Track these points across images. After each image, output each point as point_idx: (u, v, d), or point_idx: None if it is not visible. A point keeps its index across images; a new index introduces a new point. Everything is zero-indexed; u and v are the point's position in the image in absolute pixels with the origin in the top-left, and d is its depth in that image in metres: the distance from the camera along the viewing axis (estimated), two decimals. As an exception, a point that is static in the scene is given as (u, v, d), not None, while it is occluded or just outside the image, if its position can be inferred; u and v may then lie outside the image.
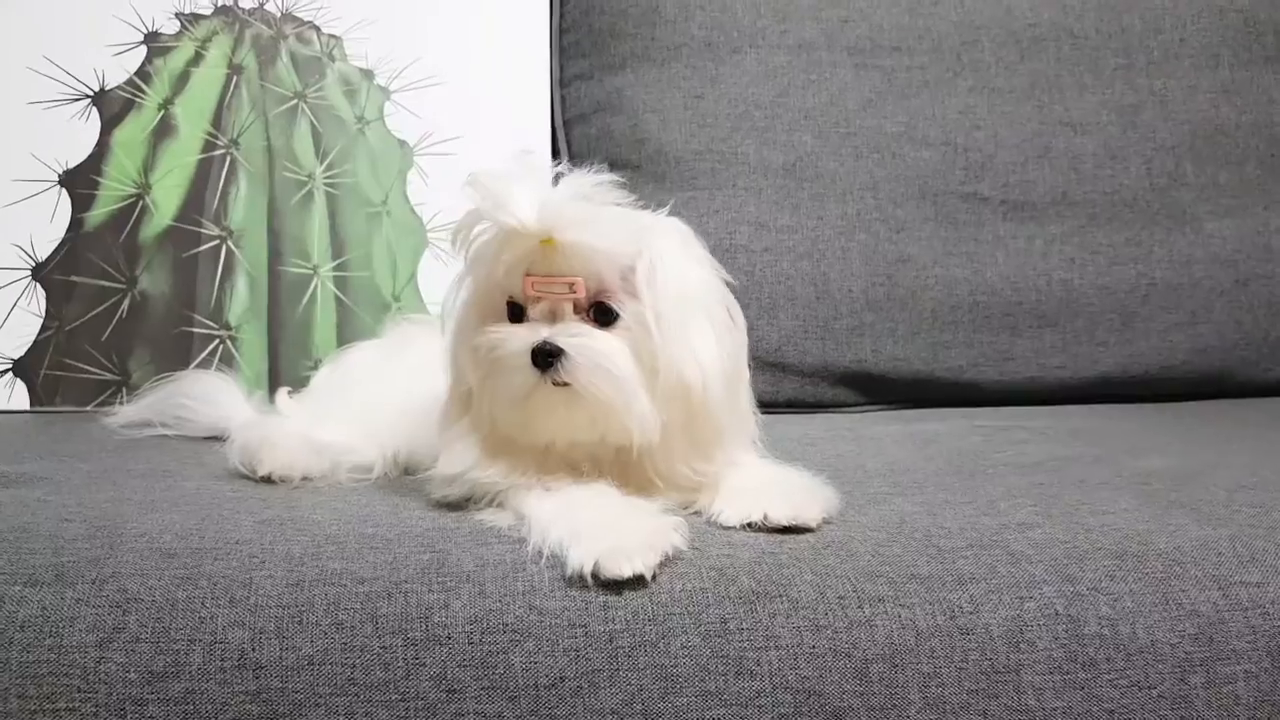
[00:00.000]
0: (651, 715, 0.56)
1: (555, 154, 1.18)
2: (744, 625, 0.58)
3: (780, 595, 0.59)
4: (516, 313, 0.65)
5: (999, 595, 0.60)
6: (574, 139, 1.18)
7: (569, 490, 0.65)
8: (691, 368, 0.64)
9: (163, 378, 0.93)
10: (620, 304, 0.64)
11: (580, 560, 0.57)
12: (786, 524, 0.65)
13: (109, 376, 1.04)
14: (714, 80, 1.15)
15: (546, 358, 0.61)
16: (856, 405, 1.13)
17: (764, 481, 0.69)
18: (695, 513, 0.68)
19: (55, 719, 0.52)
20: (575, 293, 0.63)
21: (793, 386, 1.10)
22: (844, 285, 1.10)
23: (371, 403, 0.79)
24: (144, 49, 1.12)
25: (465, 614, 0.56)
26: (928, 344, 1.12)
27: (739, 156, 1.13)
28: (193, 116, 1.11)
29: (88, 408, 1.03)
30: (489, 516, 0.65)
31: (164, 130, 1.10)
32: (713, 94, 1.15)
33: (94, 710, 0.53)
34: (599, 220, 0.62)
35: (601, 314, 0.64)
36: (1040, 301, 1.14)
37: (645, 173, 1.13)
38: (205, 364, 1.06)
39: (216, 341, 1.07)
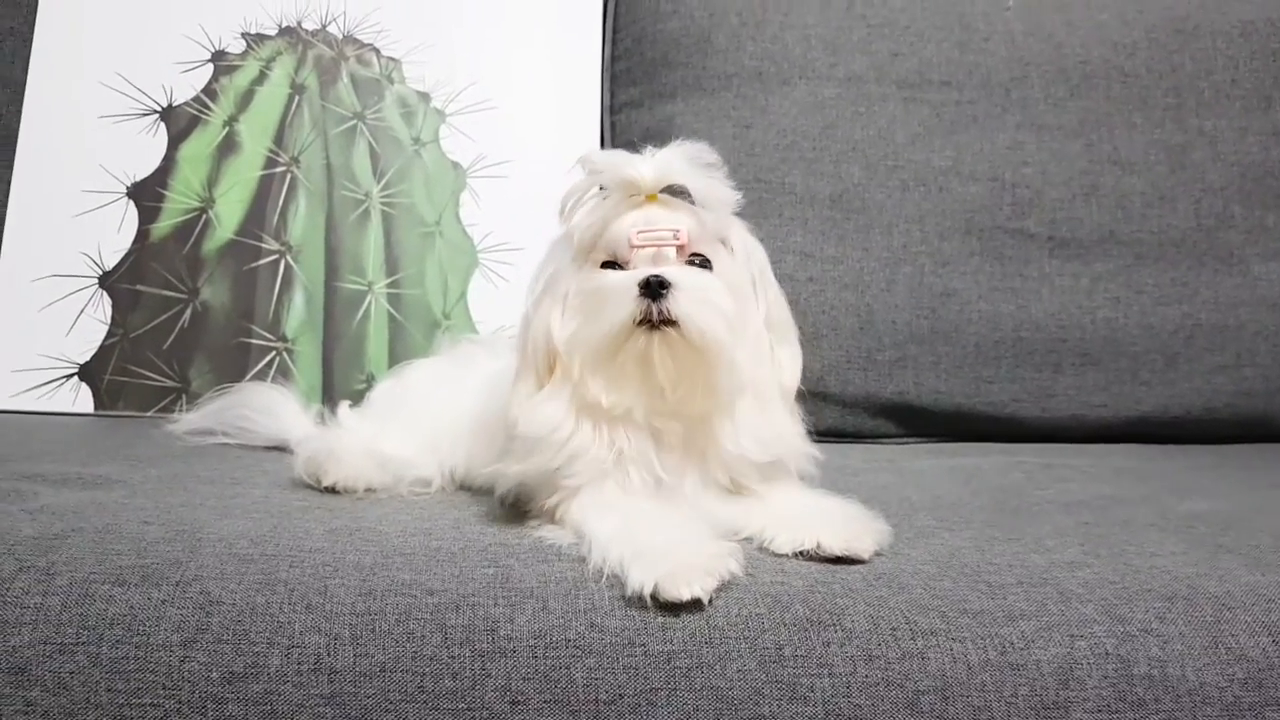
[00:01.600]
0: (707, 735, 0.57)
1: (606, 179, 1.21)
2: (798, 652, 0.59)
3: (834, 624, 0.60)
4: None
5: (1050, 633, 0.61)
6: (625, 165, 1.21)
7: (629, 508, 0.66)
8: (785, 323, 0.74)
9: (224, 388, 0.96)
10: (713, 260, 0.69)
11: (640, 581, 0.59)
12: (839, 554, 0.66)
13: (169, 384, 1.07)
14: (763, 110, 1.17)
15: (658, 288, 0.64)
16: (896, 437, 1.14)
17: (816, 509, 0.70)
18: (746, 539, 0.70)
19: (141, 713, 0.54)
20: (678, 240, 0.66)
21: (833, 415, 1.11)
22: (888, 317, 1.12)
23: (433, 419, 0.81)
24: (211, 67, 1.16)
25: (529, 628, 0.58)
26: (970, 378, 1.13)
27: (786, 186, 1.15)
28: (256, 134, 1.15)
29: (149, 413, 1.06)
30: (548, 533, 0.67)
31: (228, 146, 1.14)
32: (761, 124, 1.17)
33: (177, 706, 0.55)
34: (705, 177, 0.68)
35: (698, 263, 0.68)
36: (1084, 339, 1.14)
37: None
38: (262, 375, 1.08)
39: (273, 353, 1.09)
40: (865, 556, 0.67)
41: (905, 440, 1.15)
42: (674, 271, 0.65)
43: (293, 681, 0.56)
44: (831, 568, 0.66)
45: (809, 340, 1.10)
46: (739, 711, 0.57)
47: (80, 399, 1.06)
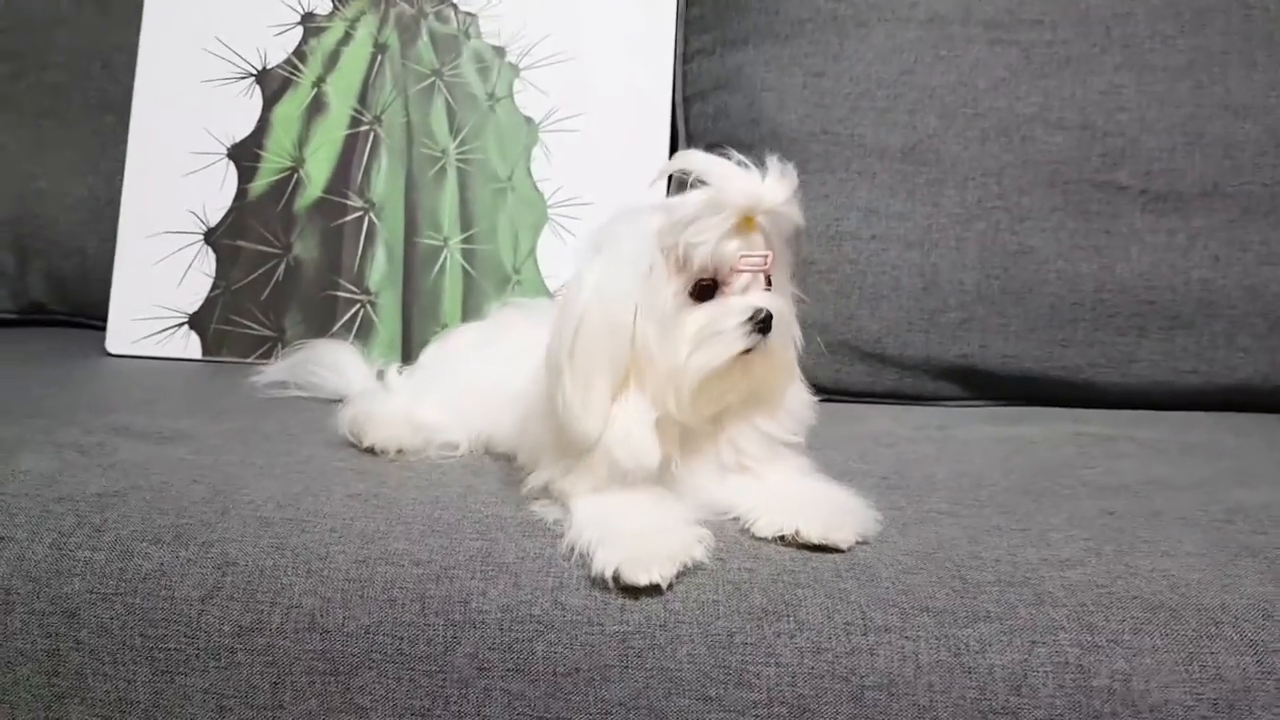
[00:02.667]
0: (656, 711, 0.61)
1: (674, 132, 1.20)
2: (749, 640, 0.61)
3: (788, 615, 0.62)
4: (701, 291, 0.69)
5: (1010, 637, 0.61)
6: (691, 116, 1.20)
7: (616, 494, 0.69)
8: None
9: (300, 344, 1.04)
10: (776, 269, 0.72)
11: (603, 564, 0.63)
12: (816, 542, 0.68)
13: (266, 333, 1.17)
14: (836, 57, 1.13)
15: (768, 324, 0.68)
16: (960, 399, 1.12)
17: (805, 496, 0.71)
18: (735, 519, 0.72)
19: (167, 656, 0.63)
20: (766, 265, 0.69)
21: (891, 378, 1.10)
22: (954, 277, 1.08)
23: (464, 384, 0.86)
24: (300, 29, 1.22)
25: (499, 602, 0.63)
26: (1042, 341, 1.08)
27: (855, 138, 1.11)
28: (342, 94, 1.21)
29: (249, 359, 1.16)
30: (540, 508, 0.71)
31: (316, 107, 1.20)
32: (834, 71, 1.13)
33: (195, 653, 0.63)
34: (794, 198, 0.69)
35: (768, 283, 0.71)
36: (1175, 301, 1.07)
37: (756, 154, 1.13)
38: (348, 326, 1.17)
39: (358, 305, 1.17)
40: (843, 546, 0.68)
41: (971, 403, 1.12)
42: (769, 301, 0.69)
43: (290, 637, 0.63)
44: (807, 555, 0.67)
45: (867, 300, 1.09)
46: (686, 692, 0.61)
47: (190, 345, 1.17)
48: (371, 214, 1.19)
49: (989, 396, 1.12)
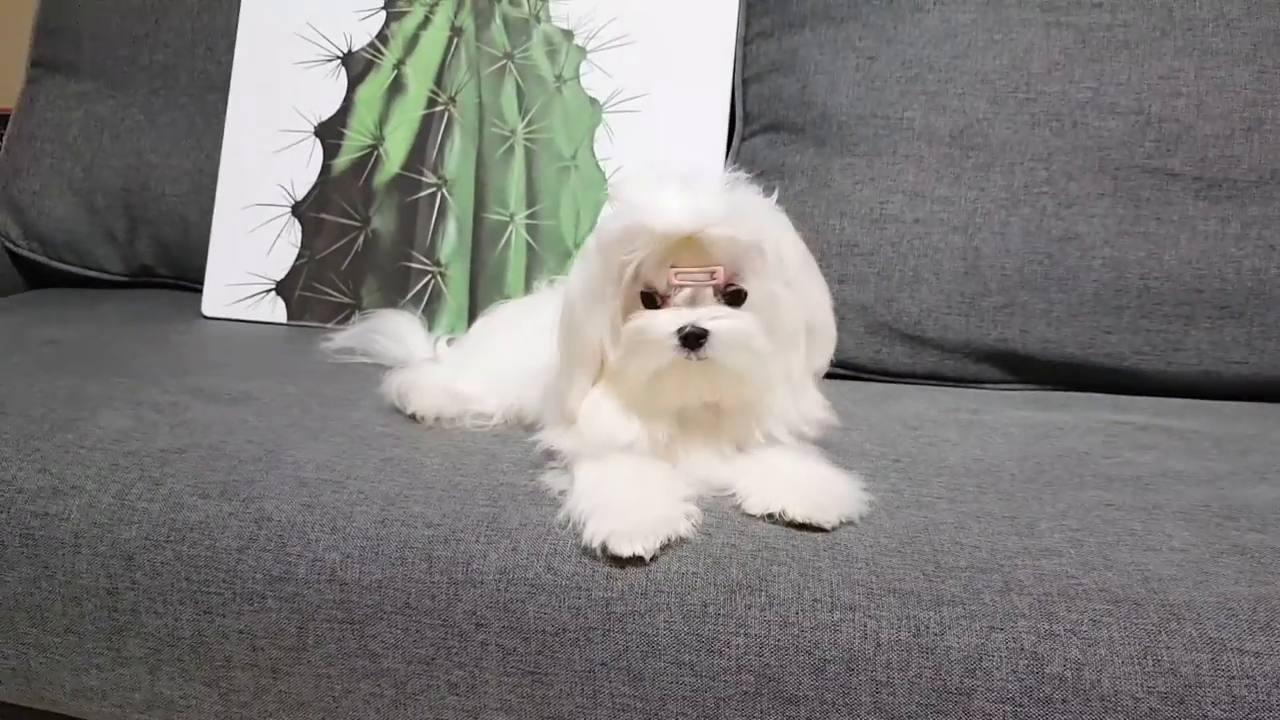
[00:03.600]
0: (633, 672, 0.67)
1: (732, 113, 1.23)
2: (721, 611, 0.67)
3: (761, 589, 0.67)
4: (650, 300, 0.74)
5: (969, 621, 0.64)
6: (749, 98, 1.23)
7: (616, 463, 0.75)
8: (822, 313, 0.78)
9: (368, 313, 1.13)
10: (748, 283, 0.74)
11: (593, 534, 0.69)
12: (801, 522, 0.72)
13: (345, 300, 1.27)
14: (890, 40, 1.14)
15: (696, 340, 0.71)
16: (1001, 383, 1.12)
17: (798, 476, 0.75)
18: (732, 495, 0.77)
19: (208, 599, 0.73)
20: (714, 280, 0.72)
21: (932, 360, 1.11)
22: (997, 262, 1.08)
23: (500, 357, 0.93)
24: (383, 14, 1.29)
25: (498, 565, 0.70)
26: (1086, 328, 1.08)
27: (904, 122, 1.12)
28: (420, 75, 1.28)
29: (328, 325, 1.26)
30: (550, 478, 0.78)
31: (396, 88, 1.28)
32: (886, 55, 1.14)
33: (233, 597, 0.72)
34: (736, 215, 0.71)
35: (734, 297, 0.74)
36: (1225, 290, 1.05)
37: (808, 136, 1.16)
38: (419, 296, 1.25)
39: (429, 277, 1.26)
40: (826, 526, 0.72)
41: (1012, 387, 1.13)
42: (711, 318, 0.71)
43: (314, 587, 0.71)
44: (790, 534, 0.72)
45: (907, 283, 1.10)
46: (662, 656, 0.67)
47: (276, 310, 1.28)
48: (444, 190, 1.26)
49: (1032, 381, 1.12)
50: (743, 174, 0.76)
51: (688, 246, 0.71)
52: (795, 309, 0.75)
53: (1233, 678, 0.61)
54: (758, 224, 0.73)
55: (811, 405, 0.79)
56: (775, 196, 0.79)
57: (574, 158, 1.25)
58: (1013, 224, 1.09)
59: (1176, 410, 1.04)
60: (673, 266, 0.71)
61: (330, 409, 0.93)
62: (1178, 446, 0.93)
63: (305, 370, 1.06)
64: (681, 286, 0.72)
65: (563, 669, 0.68)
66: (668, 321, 0.71)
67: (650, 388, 0.74)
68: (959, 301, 1.09)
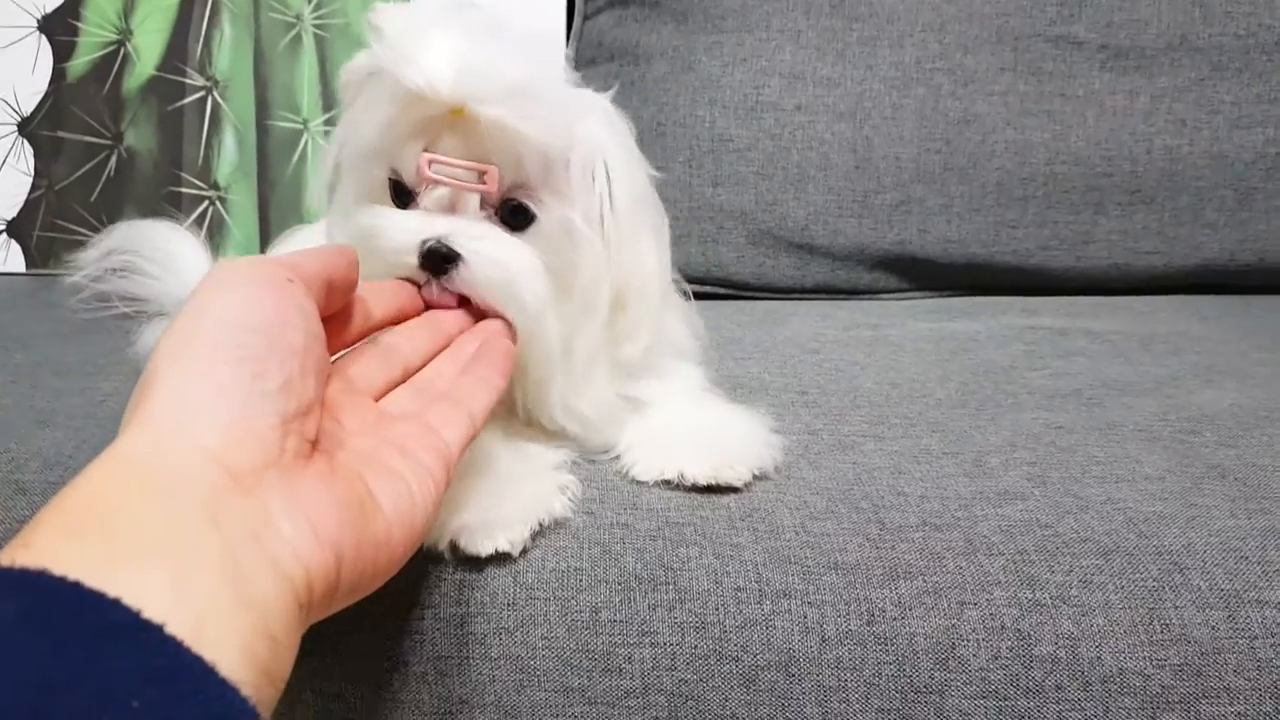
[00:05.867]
0: (505, 708, 0.49)
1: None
2: (617, 616, 0.50)
3: (667, 582, 0.51)
4: (401, 194, 0.53)
5: (936, 597, 0.50)
6: (592, -31, 1.03)
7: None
8: (645, 281, 0.55)
9: (117, 226, 0.86)
10: (539, 203, 0.53)
11: (436, 534, 0.50)
12: (705, 484, 0.56)
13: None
14: (755, -108, 0.96)
15: (441, 261, 0.51)
16: (899, 292, 0.99)
17: (689, 428, 0.59)
18: (616, 457, 0.60)
19: None
20: (485, 185, 0.51)
21: (821, 270, 0.97)
22: (890, 152, 0.94)
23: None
24: None
25: (307, 583, 0.51)
26: (989, 223, 0.95)
27: (777, -10, 0.95)
28: (172, -51, 1.02)
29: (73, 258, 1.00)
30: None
31: (142, -34, 1.02)
32: (752, -90, 0.96)
33: None
34: (533, 94, 0.49)
35: (514, 215, 0.52)
36: (1135, 173, 0.94)
37: (664, 10, 0.97)
38: (196, 227, 1.01)
39: (206, 203, 1.01)
40: (737, 484, 0.56)
41: (910, 295, 1.00)
42: (467, 240, 0.50)
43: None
44: (696, 502, 0.56)
45: (791, 182, 0.95)
46: (543, 683, 0.49)
47: (11, 258, 1.01)
48: (215, 93, 1.02)
49: (930, 287, 0.99)
50: (573, 72, 0.55)
51: (455, 128, 0.50)
52: (601, 260, 0.53)
53: (1255, 637, 0.49)
54: (565, 122, 0.51)
55: (601, 399, 0.57)
56: (612, 94, 0.56)
57: (382, 49, 1.02)
58: (905, 107, 0.94)
59: (1089, 310, 0.93)
60: (426, 151, 0.51)
61: (70, 382, 0.71)
62: (1104, 350, 0.82)
63: (44, 332, 0.82)
64: (437, 182, 0.51)
65: (408, 713, 0.50)
66: (409, 229, 0.51)
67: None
68: (850, 201, 0.95)
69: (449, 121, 0.49)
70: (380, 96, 0.50)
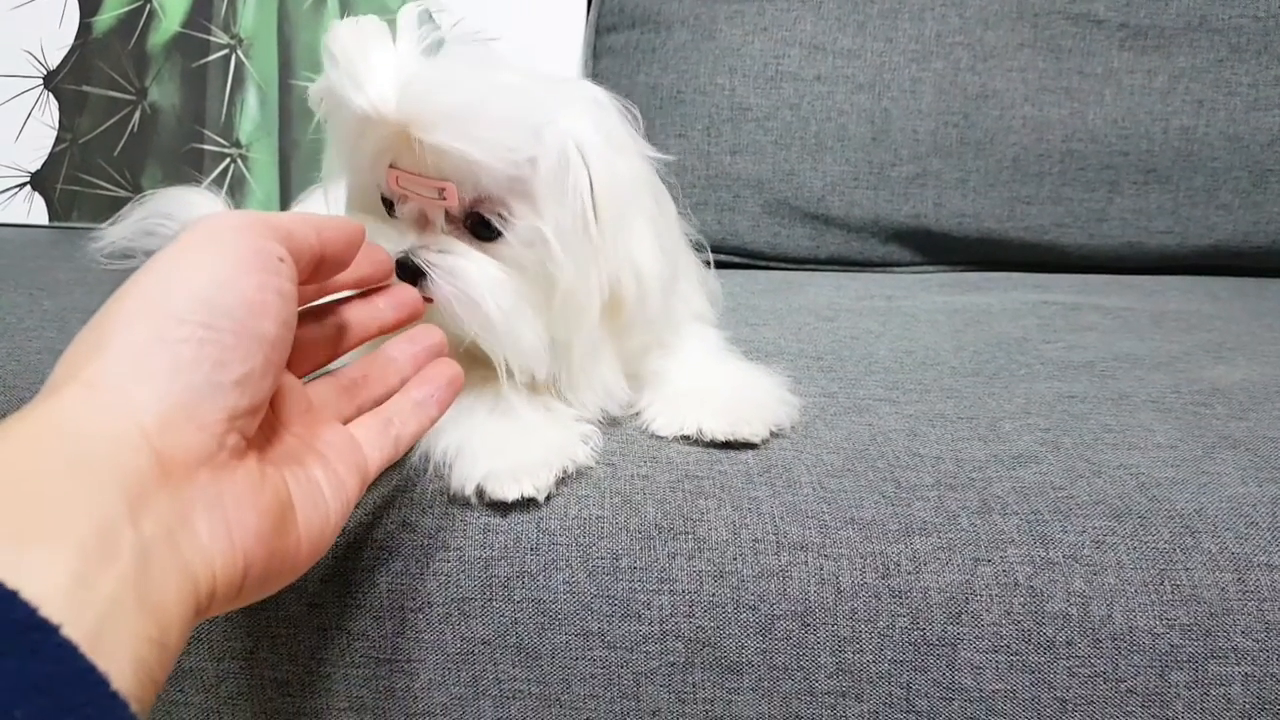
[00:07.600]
0: (526, 650, 0.51)
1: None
2: (637, 563, 0.51)
3: (687, 532, 0.52)
4: (388, 202, 0.54)
5: (950, 553, 0.51)
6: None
7: (483, 385, 0.57)
8: (629, 280, 0.54)
9: (146, 195, 0.88)
10: (506, 216, 0.51)
11: (462, 480, 0.51)
12: (724, 439, 0.57)
13: (122, 193, 1.02)
14: None
15: (412, 274, 0.51)
16: (911, 265, 1.00)
17: (708, 385, 0.60)
18: (636, 413, 0.61)
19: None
20: (445, 200, 0.50)
21: (836, 241, 0.97)
22: (908, 125, 0.95)
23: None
24: None
25: (335, 525, 0.52)
26: (1004, 199, 0.96)
27: (799, -39, 0.95)
28: (199, -94, 1.02)
29: (103, 225, 1.01)
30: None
31: (168, -76, 1.02)
32: (777, -119, 0.96)
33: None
34: (475, 117, 0.47)
35: (479, 228, 0.52)
36: (1151, 152, 0.95)
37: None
38: (217, 184, 1.02)
39: (227, 160, 1.02)
40: (755, 440, 0.57)
41: (924, 269, 1.00)
42: (432, 254, 0.51)
43: None
44: (714, 457, 0.57)
45: (809, 152, 0.95)
46: (562, 627, 0.51)
47: (35, 210, 1.02)
48: (239, 52, 1.02)
49: (944, 261, 1.00)
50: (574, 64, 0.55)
51: (414, 144, 0.48)
52: (584, 263, 0.52)
53: (1264, 600, 0.50)
54: (525, 133, 0.49)
55: (607, 385, 0.58)
56: (608, 87, 0.55)
57: (402, 6, 1.02)
58: (924, 80, 0.95)
59: (1101, 287, 0.94)
60: (392, 166, 0.51)
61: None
62: (1116, 326, 0.83)
63: (69, 281, 0.83)
64: (404, 196, 0.51)
65: (430, 653, 0.51)
66: (386, 239, 0.51)
67: None
68: (867, 172, 0.95)
69: (407, 139, 0.49)
70: (343, 115, 0.50)
